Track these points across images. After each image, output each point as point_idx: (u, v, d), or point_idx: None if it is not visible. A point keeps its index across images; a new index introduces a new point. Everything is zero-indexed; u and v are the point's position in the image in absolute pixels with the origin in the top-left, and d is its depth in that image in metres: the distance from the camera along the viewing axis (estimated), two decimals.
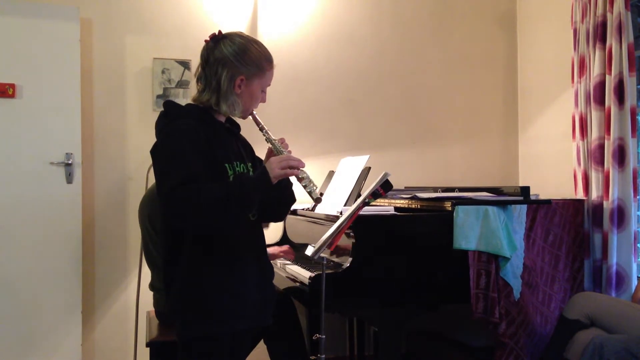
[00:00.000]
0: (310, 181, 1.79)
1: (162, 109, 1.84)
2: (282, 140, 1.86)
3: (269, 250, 2.89)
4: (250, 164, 1.88)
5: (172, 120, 1.77)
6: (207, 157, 1.71)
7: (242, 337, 1.87)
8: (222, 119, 1.86)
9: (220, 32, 1.84)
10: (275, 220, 2.05)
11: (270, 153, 1.87)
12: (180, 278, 1.75)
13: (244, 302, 1.77)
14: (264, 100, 1.89)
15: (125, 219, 3.37)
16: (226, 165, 1.76)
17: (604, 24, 3.03)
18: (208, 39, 1.83)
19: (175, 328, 1.80)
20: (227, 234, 1.76)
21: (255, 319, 1.83)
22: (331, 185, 3.00)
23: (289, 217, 3.20)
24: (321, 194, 1.80)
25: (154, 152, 1.75)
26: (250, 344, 2.14)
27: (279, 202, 1.91)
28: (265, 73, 1.84)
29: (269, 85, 1.89)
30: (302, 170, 1.77)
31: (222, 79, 1.77)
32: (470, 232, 2.45)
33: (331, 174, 3.14)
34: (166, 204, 1.63)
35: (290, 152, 1.84)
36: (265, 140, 1.86)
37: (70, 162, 3.15)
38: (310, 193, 1.78)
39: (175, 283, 1.76)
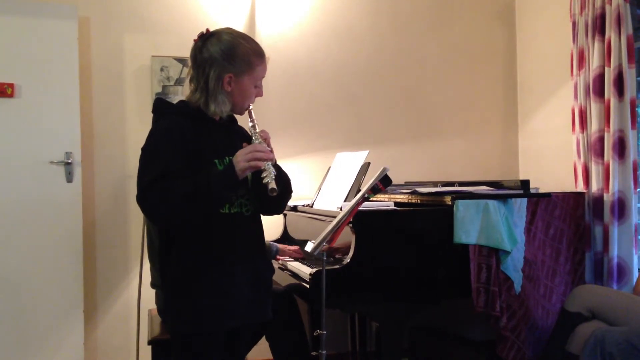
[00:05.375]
0: (270, 173, 1.71)
1: None
2: (263, 132, 1.81)
3: (280, 245, 2.90)
4: None
5: (158, 119, 1.78)
6: (191, 154, 1.70)
7: (238, 332, 1.86)
8: (217, 115, 1.83)
9: (208, 30, 1.82)
10: (274, 213, 2.00)
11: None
12: (171, 275, 1.75)
13: (234, 301, 1.75)
14: (259, 95, 1.87)
15: (126, 217, 3.37)
16: (216, 161, 1.74)
17: (602, 16, 3.02)
18: (196, 38, 1.81)
19: (167, 324, 1.80)
20: (219, 231, 1.75)
21: (247, 316, 1.81)
22: (327, 179, 2.99)
23: (289, 213, 3.20)
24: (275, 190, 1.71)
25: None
26: (249, 338, 2.13)
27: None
28: (255, 68, 1.81)
29: (263, 78, 1.86)
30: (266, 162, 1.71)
31: (209, 78, 1.75)
32: (470, 226, 2.45)
33: None
34: (139, 201, 1.65)
35: (268, 136, 1.80)
36: (251, 134, 1.82)
37: (70, 161, 3.15)
38: (266, 184, 1.69)
39: (167, 279, 1.77)
